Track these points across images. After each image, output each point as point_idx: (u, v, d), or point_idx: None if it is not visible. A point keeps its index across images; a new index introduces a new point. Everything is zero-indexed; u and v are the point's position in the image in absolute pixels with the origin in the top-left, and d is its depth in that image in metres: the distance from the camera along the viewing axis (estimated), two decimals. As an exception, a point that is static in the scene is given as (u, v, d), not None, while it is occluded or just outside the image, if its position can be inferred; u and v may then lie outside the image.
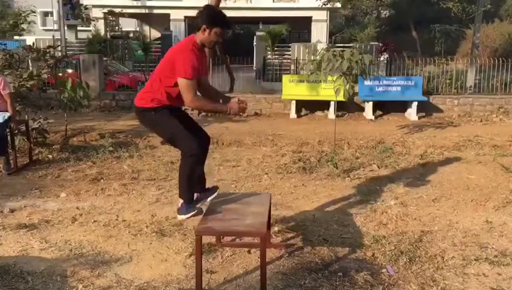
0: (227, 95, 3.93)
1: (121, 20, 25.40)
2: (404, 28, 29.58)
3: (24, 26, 23.55)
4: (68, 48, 18.44)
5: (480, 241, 4.35)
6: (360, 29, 25.45)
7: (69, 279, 3.65)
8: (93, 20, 23.00)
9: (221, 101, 3.77)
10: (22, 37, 23.55)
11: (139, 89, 12.79)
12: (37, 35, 26.02)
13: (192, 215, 3.69)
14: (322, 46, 19.32)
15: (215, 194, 3.86)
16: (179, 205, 3.77)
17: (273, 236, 4.42)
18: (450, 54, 19.52)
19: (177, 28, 24.95)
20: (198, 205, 3.74)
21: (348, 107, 11.35)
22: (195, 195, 3.77)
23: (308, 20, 25.28)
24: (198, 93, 3.63)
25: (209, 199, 3.83)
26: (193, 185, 3.73)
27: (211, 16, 3.55)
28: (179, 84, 3.47)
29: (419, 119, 10.92)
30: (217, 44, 3.69)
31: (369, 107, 11.15)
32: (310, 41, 23.73)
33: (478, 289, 3.54)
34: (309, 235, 4.46)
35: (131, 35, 22.81)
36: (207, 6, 3.68)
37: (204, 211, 3.72)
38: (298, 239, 4.40)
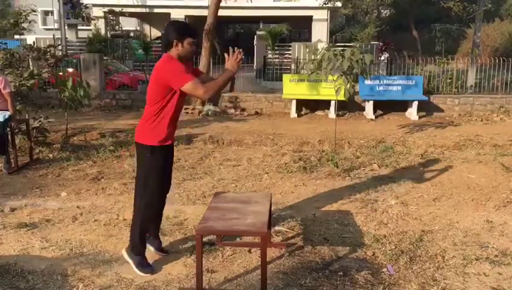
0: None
1: (122, 19, 25.35)
2: (404, 28, 29.60)
3: (24, 25, 23.51)
4: (68, 47, 18.46)
5: (480, 240, 4.35)
6: (360, 28, 25.43)
7: (69, 278, 3.66)
8: (94, 20, 22.98)
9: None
10: (22, 36, 23.54)
11: (139, 89, 12.93)
12: (38, 34, 26.03)
13: (144, 275, 3.68)
14: (322, 45, 19.29)
15: (160, 255, 3.97)
16: (128, 246, 3.83)
17: (274, 235, 4.42)
18: (450, 53, 19.50)
19: (178, 28, 24.91)
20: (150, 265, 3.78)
21: (349, 106, 11.35)
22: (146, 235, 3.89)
23: (309, 19, 25.24)
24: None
25: (154, 252, 3.96)
26: (144, 239, 3.84)
27: (178, 29, 3.61)
28: (185, 91, 3.51)
29: (419, 118, 10.91)
30: (193, 54, 3.72)
31: (369, 106, 11.14)
32: (310, 40, 23.71)
33: (479, 289, 3.54)
34: (309, 235, 4.46)
35: (131, 34, 22.79)
36: (170, 23, 3.76)
37: (153, 272, 3.73)
38: (299, 238, 4.41)
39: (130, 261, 3.76)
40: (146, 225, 3.82)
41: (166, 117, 3.62)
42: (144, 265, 3.73)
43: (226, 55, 3.65)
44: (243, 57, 3.65)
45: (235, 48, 3.63)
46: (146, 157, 3.69)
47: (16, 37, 23.47)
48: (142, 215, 3.76)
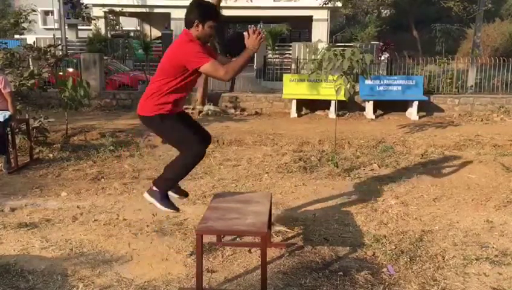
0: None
1: (122, 19, 25.35)
2: (404, 28, 29.57)
3: (25, 25, 23.55)
4: (69, 47, 18.46)
5: (480, 240, 4.35)
6: (360, 28, 25.43)
7: (69, 278, 3.66)
8: (94, 19, 22.98)
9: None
10: (22, 36, 23.56)
11: (140, 89, 12.92)
12: (38, 34, 26.01)
13: (168, 212, 3.70)
14: (322, 45, 19.33)
15: (184, 198, 3.99)
16: (153, 188, 3.76)
17: (274, 235, 4.42)
18: (450, 53, 19.50)
19: (178, 27, 24.87)
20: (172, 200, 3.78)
21: (349, 106, 11.34)
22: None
23: (309, 19, 25.24)
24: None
25: (175, 195, 3.92)
26: (177, 182, 3.81)
27: (203, 10, 3.52)
28: (204, 72, 3.46)
29: (419, 118, 10.91)
30: (211, 37, 3.65)
31: (369, 106, 11.14)
32: (310, 40, 23.72)
33: (479, 289, 3.54)
34: (309, 235, 4.46)
35: (131, 34, 22.79)
36: (196, 1, 3.62)
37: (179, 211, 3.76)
38: (299, 238, 4.40)
39: (154, 200, 3.70)
40: (189, 169, 3.71)
41: (172, 96, 3.55)
42: (169, 203, 3.69)
43: (245, 33, 3.51)
44: (264, 34, 3.55)
45: (253, 28, 3.46)
46: (160, 126, 3.61)
47: (16, 36, 23.48)
48: (188, 162, 3.64)
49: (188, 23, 3.52)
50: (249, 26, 3.57)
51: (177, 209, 3.76)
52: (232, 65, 3.47)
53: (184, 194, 4.03)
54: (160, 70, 3.59)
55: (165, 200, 3.71)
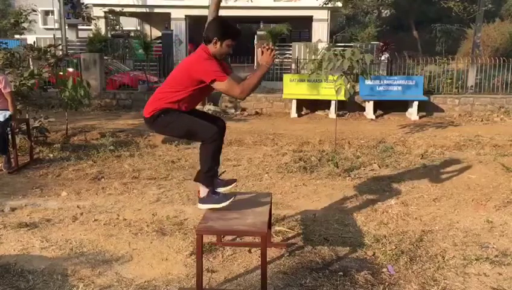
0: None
1: (122, 19, 25.31)
2: (405, 28, 29.60)
3: (25, 25, 23.51)
4: (69, 47, 18.44)
5: (481, 241, 4.35)
6: (360, 28, 25.40)
7: (69, 278, 3.66)
8: (94, 19, 22.96)
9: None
10: (22, 36, 23.53)
11: (140, 89, 12.91)
12: (38, 34, 26.00)
13: (225, 204, 3.60)
14: (322, 45, 19.32)
15: (233, 184, 3.85)
16: (200, 194, 3.69)
17: (274, 235, 4.42)
18: (450, 53, 19.51)
19: (178, 27, 24.92)
20: (223, 192, 3.70)
21: (349, 106, 11.35)
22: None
23: (309, 19, 25.22)
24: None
25: (226, 188, 3.79)
26: (216, 168, 3.71)
27: (222, 28, 3.54)
28: (219, 89, 3.49)
29: (420, 118, 10.91)
30: (228, 54, 3.67)
31: (369, 106, 11.14)
32: (310, 40, 23.69)
33: (479, 289, 3.54)
34: (310, 235, 4.46)
35: (132, 34, 22.75)
36: (217, 18, 3.68)
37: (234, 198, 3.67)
38: (299, 238, 4.41)
39: (209, 205, 3.63)
40: (215, 155, 3.65)
41: (177, 104, 3.53)
42: (222, 196, 3.63)
43: (258, 50, 3.56)
44: (276, 50, 3.57)
45: (265, 46, 3.50)
46: (165, 120, 3.55)
47: (17, 36, 23.47)
48: (210, 148, 3.57)
49: (207, 40, 3.53)
50: (261, 44, 3.56)
51: (233, 196, 3.66)
52: (248, 83, 3.49)
53: (231, 182, 3.87)
54: (171, 80, 3.60)
55: (218, 197, 3.63)
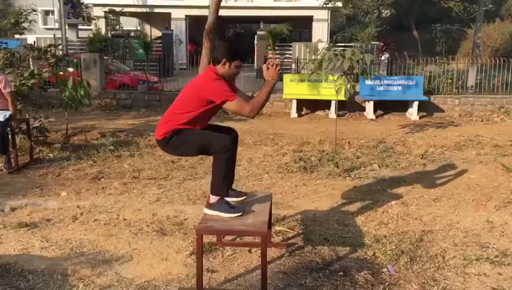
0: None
1: (122, 19, 25.32)
2: (405, 28, 29.59)
3: (25, 24, 23.50)
4: (69, 47, 18.43)
5: (481, 241, 4.35)
6: (361, 28, 25.40)
7: (69, 278, 3.66)
8: (94, 19, 22.96)
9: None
10: (23, 36, 23.53)
11: (140, 89, 12.91)
12: (38, 34, 26.00)
13: (235, 215, 3.58)
14: (323, 45, 19.32)
15: (244, 197, 3.86)
16: (210, 200, 3.66)
17: (274, 235, 4.42)
18: (451, 53, 19.51)
19: (178, 27, 24.94)
20: (233, 202, 3.70)
21: (349, 106, 11.35)
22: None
23: (309, 19, 25.24)
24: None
25: (237, 199, 3.81)
26: (229, 179, 3.71)
27: (232, 49, 3.57)
28: (229, 109, 3.52)
29: (420, 118, 10.91)
30: (236, 75, 3.70)
31: (370, 106, 11.14)
32: (310, 40, 23.69)
33: (479, 289, 3.54)
34: (310, 235, 4.46)
35: (132, 34, 22.74)
36: (225, 39, 3.71)
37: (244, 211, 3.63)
38: (299, 238, 4.40)
39: (216, 212, 3.59)
40: (230, 165, 3.66)
41: (187, 125, 3.56)
42: (230, 207, 3.60)
43: (263, 66, 3.59)
44: (281, 66, 3.60)
45: (271, 61, 3.58)
46: (177, 140, 3.54)
47: (17, 36, 23.47)
48: (224, 158, 3.56)
49: (216, 60, 3.56)
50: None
51: (241, 211, 3.60)
52: (256, 101, 3.51)
53: (242, 195, 3.91)
54: (180, 101, 3.60)
55: (226, 207, 3.60)
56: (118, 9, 23.54)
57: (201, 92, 3.50)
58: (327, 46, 18.12)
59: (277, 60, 18.21)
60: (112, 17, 24.97)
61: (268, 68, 3.55)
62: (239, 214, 3.58)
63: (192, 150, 3.65)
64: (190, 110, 3.52)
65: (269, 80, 3.53)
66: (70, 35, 20.95)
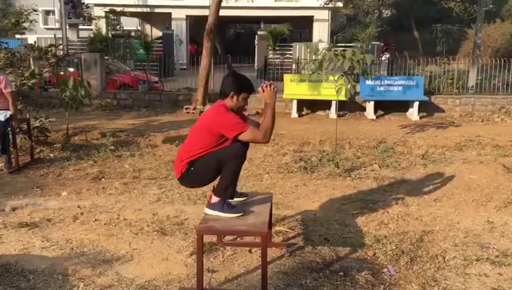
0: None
1: (123, 19, 25.31)
2: (405, 28, 29.59)
3: (26, 24, 23.51)
4: (70, 47, 18.43)
5: (481, 241, 4.35)
6: (361, 28, 25.38)
7: (70, 277, 3.66)
8: (95, 19, 22.96)
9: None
10: (23, 36, 23.53)
11: (140, 89, 12.91)
12: (39, 34, 25.99)
13: (235, 215, 3.63)
14: (323, 45, 19.32)
15: (245, 198, 3.93)
16: (212, 200, 3.69)
17: (274, 235, 4.42)
18: (451, 53, 19.50)
19: (179, 27, 24.94)
20: (234, 203, 3.75)
21: (350, 106, 11.34)
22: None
23: (310, 19, 25.22)
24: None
25: (238, 199, 3.88)
26: (235, 184, 3.76)
27: (239, 82, 3.66)
28: (244, 140, 3.56)
29: (420, 119, 10.91)
30: (243, 107, 3.78)
31: (370, 106, 11.14)
32: (311, 40, 23.68)
33: (479, 289, 3.54)
34: (310, 235, 4.46)
35: (132, 34, 22.74)
36: (231, 74, 3.81)
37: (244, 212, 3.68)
38: (299, 239, 4.41)
39: (217, 212, 3.62)
40: (237, 171, 3.68)
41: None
42: (230, 207, 3.64)
43: (260, 89, 3.66)
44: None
45: (266, 84, 3.66)
46: (195, 170, 3.63)
47: (17, 36, 23.45)
48: (233, 164, 3.59)
49: (224, 94, 3.64)
50: (262, 84, 3.65)
51: (242, 212, 3.65)
52: (266, 126, 3.58)
53: (244, 195, 3.98)
54: (193, 140, 3.66)
55: (226, 207, 3.64)
56: (118, 9, 23.54)
57: (213, 126, 3.57)
58: (328, 46, 18.12)
59: (277, 60, 18.23)
60: (113, 17, 24.97)
61: (264, 90, 3.62)
62: (239, 214, 3.61)
63: (210, 170, 3.66)
64: (204, 147, 3.58)
65: (268, 103, 3.62)
66: (71, 35, 20.96)
